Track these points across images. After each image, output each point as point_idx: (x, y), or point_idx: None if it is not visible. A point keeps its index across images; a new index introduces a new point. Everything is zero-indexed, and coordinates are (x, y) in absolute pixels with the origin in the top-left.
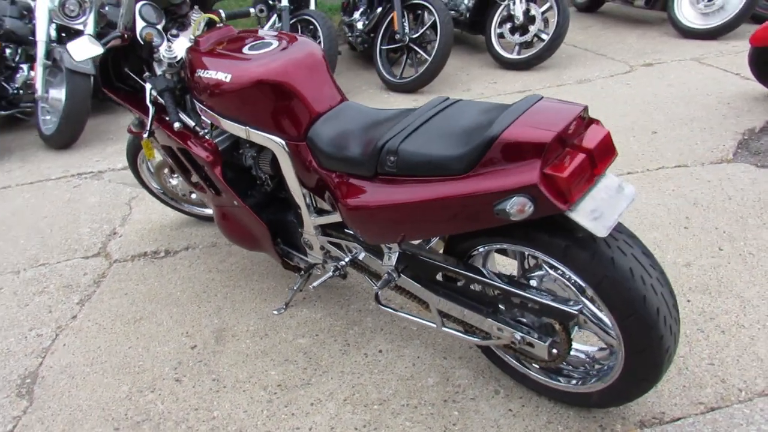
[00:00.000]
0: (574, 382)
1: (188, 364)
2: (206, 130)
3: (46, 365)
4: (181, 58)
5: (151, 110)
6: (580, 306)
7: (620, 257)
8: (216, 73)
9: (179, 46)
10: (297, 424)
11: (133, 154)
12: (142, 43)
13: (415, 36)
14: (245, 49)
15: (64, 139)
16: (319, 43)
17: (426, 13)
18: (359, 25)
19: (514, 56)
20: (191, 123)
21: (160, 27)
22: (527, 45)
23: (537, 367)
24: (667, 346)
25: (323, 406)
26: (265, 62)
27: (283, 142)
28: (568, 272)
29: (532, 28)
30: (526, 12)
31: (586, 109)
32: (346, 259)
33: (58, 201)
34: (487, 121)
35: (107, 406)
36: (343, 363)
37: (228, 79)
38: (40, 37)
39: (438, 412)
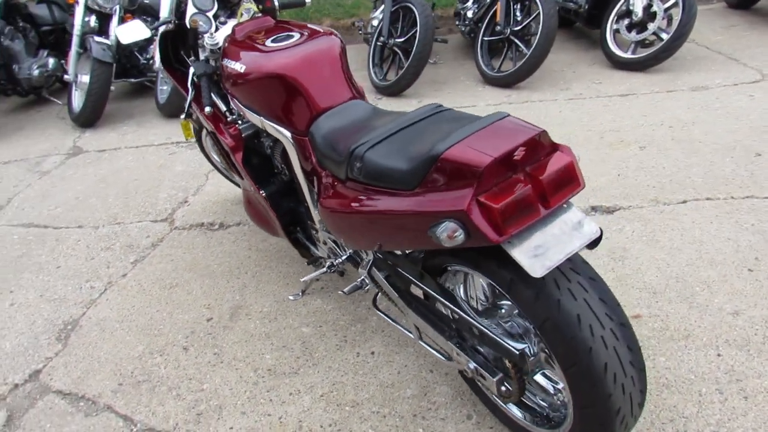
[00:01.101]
0: (537, 421)
1: (199, 335)
2: (234, 117)
3: (87, 316)
4: (221, 46)
5: (191, 93)
6: (524, 346)
7: (568, 301)
8: (235, 63)
9: (221, 34)
10: (270, 411)
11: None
12: (188, 28)
13: (517, 28)
14: (268, 41)
15: (173, 108)
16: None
17: (533, 5)
18: (469, 14)
19: (628, 55)
20: (223, 108)
21: (211, 14)
22: (645, 44)
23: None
24: (618, 407)
25: (300, 398)
26: (277, 56)
27: (290, 135)
28: (516, 307)
29: (651, 26)
30: (647, 8)
31: (542, 134)
32: (343, 258)
33: (151, 166)
34: (445, 136)
35: (120, 362)
36: (333, 358)
37: (243, 70)
38: (164, 14)
39: (404, 426)
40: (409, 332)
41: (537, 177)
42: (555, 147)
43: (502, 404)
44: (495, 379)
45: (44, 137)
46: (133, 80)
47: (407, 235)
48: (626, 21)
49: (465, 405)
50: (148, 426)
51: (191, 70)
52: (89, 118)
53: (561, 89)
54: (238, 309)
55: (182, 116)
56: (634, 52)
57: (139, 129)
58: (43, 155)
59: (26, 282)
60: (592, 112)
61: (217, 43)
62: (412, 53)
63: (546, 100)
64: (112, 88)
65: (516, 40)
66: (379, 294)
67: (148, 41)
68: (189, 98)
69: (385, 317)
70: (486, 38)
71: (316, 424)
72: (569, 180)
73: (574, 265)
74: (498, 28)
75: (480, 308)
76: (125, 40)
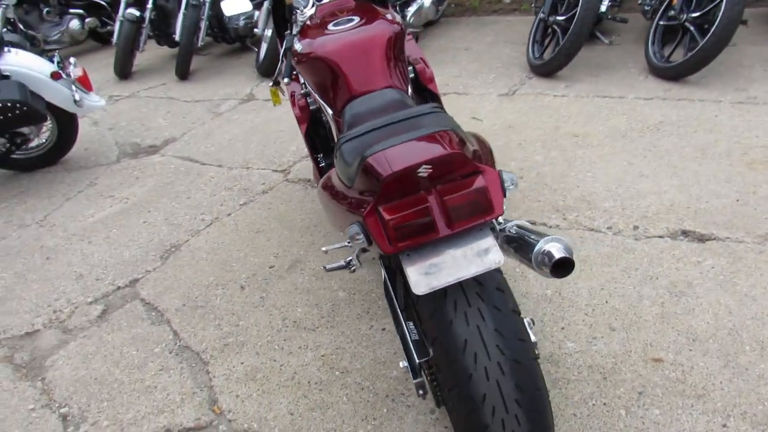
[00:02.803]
0: None
1: (257, 278)
2: (305, 90)
3: (188, 243)
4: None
5: (280, 63)
6: (427, 358)
7: (460, 324)
8: (300, 41)
9: (310, 12)
10: (277, 357)
11: None
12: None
13: (695, 15)
14: (330, 25)
15: (266, 69)
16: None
17: None
18: None
19: None
20: (302, 81)
21: None
22: None
23: None
24: None
25: (304, 353)
26: (327, 40)
27: (331, 114)
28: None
29: None
30: None
31: (456, 155)
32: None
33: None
34: (388, 140)
35: (191, 287)
36: (349, 325)
37: (301, 50)
38: None
39: (374, 402)
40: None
41: (440, 197)
42: (476, 169)
43: None
44: (415, 381)
45: (232, 83)
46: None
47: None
48: None
49: (433, 401)
50: (186, 344)
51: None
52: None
53: (734, 89)
54: (297, 263)
55: (271, 83)
56: None
57: None
58: (224, 98)
59: (162, 205)
60: (753, 122)
61: (305, 20)
62: (568, 33)
63: (707, 100)
64: None
65: (692, 28)
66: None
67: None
68: (278, 68)
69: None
70: (663, 22)
71: (305, 379)
72: (480, 206)
73: (482, 292)
74: (672, 12)
75: (402, 306)
76: (228, 12)
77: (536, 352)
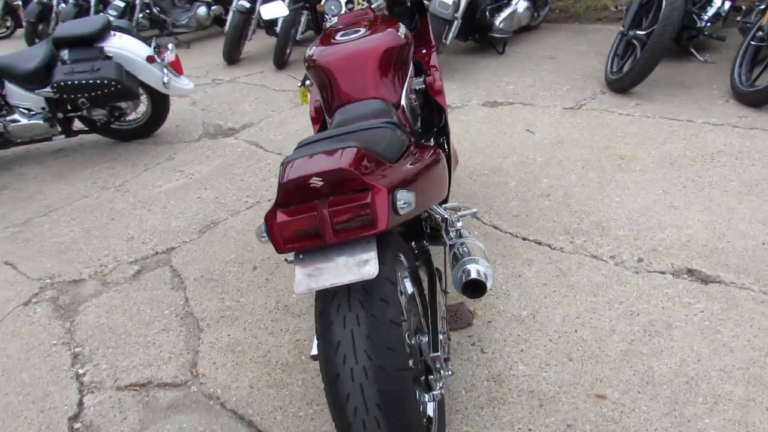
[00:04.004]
0: None
1: (269, 261)
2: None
3: (226, 221)
4: None
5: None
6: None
7: (337, 326)
8: (314, 46)
9: (334, 20)
10: (258, 335)
11: None
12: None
13: None
14: (339, 35)
15: None
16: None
17: None
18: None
19: None
20: None
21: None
22: None
23: None
24: None
25: (282, 336)
26: (327, 49)
27: (327, 118)
28: None
29: None
30: None
31: (343, 171)
32: None
33: None
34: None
35: (213, 262)
36: None
37: (307, 55)
38: None
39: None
40: None
41: (330, 208)
42: (366, 186)
43: None
44: None
45: None
46: None
47: None
48: None
49: None
50: (192, 311)
51: None
52: None
53: None
54: None
55: (299, 84)
56: None
57: None
58: None
59: (218, 184)
60: None
61: (327, 27)
62: (644, 48)
63: None
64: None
65: None
66: None
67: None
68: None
69: None
70: (754, 43)
71: (275, 359)
72: (364, 220)
73: (366, 300)
74: (760, 33)
75: None
76: (266, 16)
77: (410, 363)
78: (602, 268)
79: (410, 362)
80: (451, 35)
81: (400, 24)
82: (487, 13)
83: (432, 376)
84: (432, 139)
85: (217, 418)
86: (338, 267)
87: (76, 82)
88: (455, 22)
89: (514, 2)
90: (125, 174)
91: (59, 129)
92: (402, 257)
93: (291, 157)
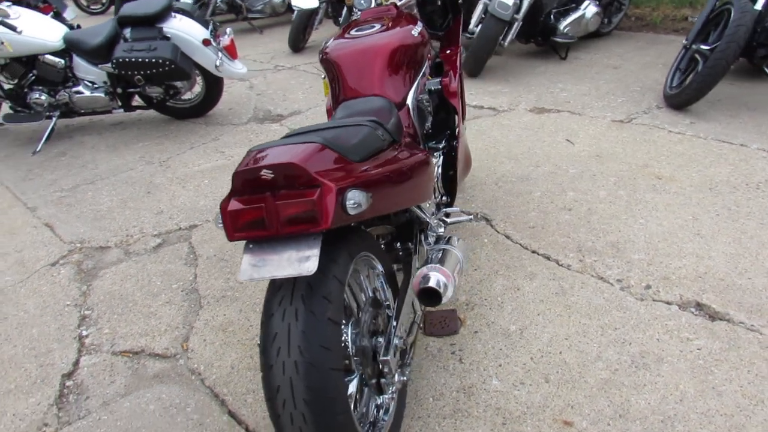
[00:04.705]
0: None
1: None
2: None
3: None
4: None
5: None
6: None
7: (277, 318)
8: (332, 39)
9: (357, 15)
10: (251, 318)
11: None
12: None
13: None
14: (354, 30)
15: (470, 67)
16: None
17: None
18: None
19: None
20: None
21: None
22: None
23: None
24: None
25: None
26: (341, 42)
27: (333, 113)
28: None
29: None
30: None
31: (293, 166)
32: None
33: None
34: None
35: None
36: None
37: (323, 47)
38: None
39: None
40: None
41: (276, 201)
42: (315, 183)
43: None
44: None
45: None
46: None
47: None
48: None
49: None
50: (197, 287)
51: None
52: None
53: None
54: None
55: (323, 76)
56: None
57: None
58: None
59: None
60: None
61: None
62: (705, 64)
63: None
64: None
65: None
66: None
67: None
68: None
69: None
70: None
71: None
72: (309, 216)
73: (308, 296)
74: None
75: None
76: (296, 6)
77: (353, 364)
78: (606, 291)
79: (355, 363)
80: (509, 37)
81: (418, 23)
82: (552, 16)
83: (384, 380)
84: (444, 142)
85: (194, 394)
86: (281, 260)
87: (133, 59)
88: (515, 24)
89: (582, 7)
90: (171, 150)
91: (119, 103)
92: (373, 258)
93: (257, 146)
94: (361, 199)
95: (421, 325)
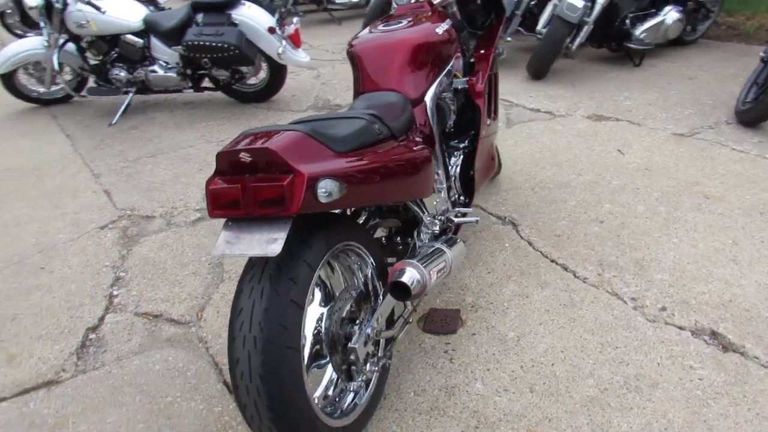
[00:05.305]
0: None
1: None
2: None
3: None
4: None
5: None
6: None
7: (244, 294)
8: (355, 35)
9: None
10: None
11: None
12: None
13: None
14: (382, 24)
15: (534, 68)
16: None
17: None
18: None
19: None
20: None
21: None
22: None
23: None
24: (244, 402)
25: None
26: (367, 36)
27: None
28: None
29: None
30: None
31: (268, 152)
32: None
33: None
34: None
35: None
36: None
37: (351, 40)
38: None
39: None
40: None
41: (251, 183)
42: (290, 170)
43: None
44: None
45: None
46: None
47: None
48: None
49: None
50: (222, 262)
51: None
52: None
53: None
54: None
55: None
56: None
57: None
58: None
59: None
60: None
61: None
62: None
63: None
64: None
65: None
66: None
67: None
68: None
69: None
70: None
71: None
72: (279, 200)
73: (275, 276)
74: None
75: None
76: None
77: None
78: (616, 308)
79: (326, 347)
80: (578, 40)
81: (447, 20)
82: (628, 20)
83: (354, 368)
84: (467, 141)
85: (197, 360)
86: (252, 240)
87: (201, 43)
88: (585, 27)
89: (663, 12)
90: (231, 131)
91: (189, 83)
92: (361, 249)
93: (249, 130)
94: (332, 188)
95: (419, 322)
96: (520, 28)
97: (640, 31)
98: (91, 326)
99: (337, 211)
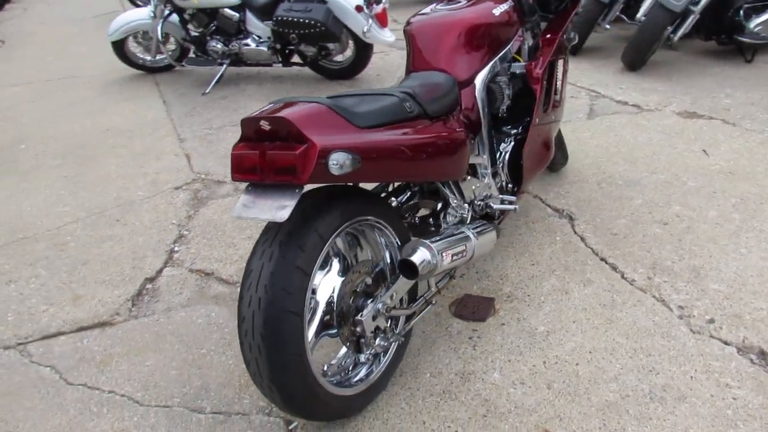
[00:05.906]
0: None
1: None
2: None
3: None
4: None
5: None
6: None
7: (257, 256)
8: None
9: None
10: None
11: None
12: None
13: None
14: (441, 4)
15: (629, 59)
16: None
17: None
18: None
19: None
20: None
21: None
22: None
23: None
24: (248, 359)
25: None
26: (423, 16)
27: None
28: None
29: None
30: None
31: (286, 121)
32: None
33: None
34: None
35: None
36: None
37: (408, 19)
38: None
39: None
40: None
41: (269, 151)
42: (304, 140)
43: None
44: None
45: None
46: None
47: None
48: None
49: None
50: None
51: None
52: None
53: None
54: None
55: None
56: None
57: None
58: None
59: None
60: None
61: None
62: None
63: None
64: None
65: None
66: None
67: None
68: None
69: None
70: None
71: None
72: (291, 169)
73: (285, 242)
74: None
75: None
76: None
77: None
78: (660, 314)
79: (336, 317)
80: (681, 31)
81: (509, 2)
82: (742, 12)
83: (362, 340)
84: (520, 128)
85: (234, 318)
86: (265, 205)
87: (290, 18)
88: (690, 17)
89: None
90: None
91: (279, 58)
92: (385, 226)
93: (278, 99)
94: (345, 161)
95: (451, 306)
96: (622, 15)
97: (755, 24)
98: (149, 277)
99: (370, 186)
